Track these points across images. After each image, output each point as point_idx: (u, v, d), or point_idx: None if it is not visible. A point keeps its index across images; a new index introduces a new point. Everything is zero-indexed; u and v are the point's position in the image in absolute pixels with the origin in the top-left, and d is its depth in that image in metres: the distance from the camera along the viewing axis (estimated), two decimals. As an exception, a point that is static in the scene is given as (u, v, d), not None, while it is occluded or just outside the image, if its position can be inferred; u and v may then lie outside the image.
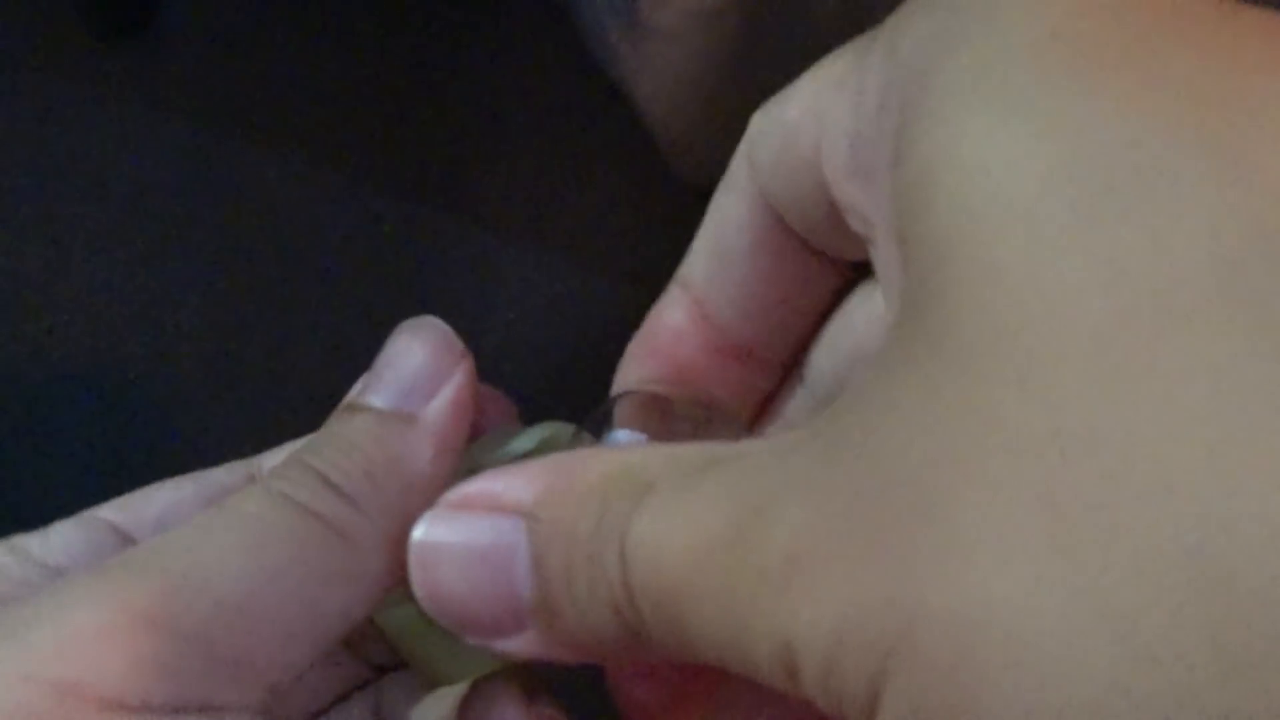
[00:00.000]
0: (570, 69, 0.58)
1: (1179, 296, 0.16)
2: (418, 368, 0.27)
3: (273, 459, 0.32)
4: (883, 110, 0.22)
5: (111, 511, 0.29)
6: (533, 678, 0.29)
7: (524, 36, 0.58)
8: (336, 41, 0.54)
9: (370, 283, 0.54)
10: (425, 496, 0.25)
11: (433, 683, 0.29)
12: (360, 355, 0.54)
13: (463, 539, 0.23)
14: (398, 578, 0.25)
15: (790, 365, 0.30)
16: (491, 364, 0.58)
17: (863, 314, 0.28)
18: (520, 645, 0.23)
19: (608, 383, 0.53)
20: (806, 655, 0.18)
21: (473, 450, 0.29)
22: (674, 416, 0.30)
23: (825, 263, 0.29)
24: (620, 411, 0.30)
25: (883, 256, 0.24)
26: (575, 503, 0.22)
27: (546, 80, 0.58)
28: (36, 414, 0.48)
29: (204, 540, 0.24)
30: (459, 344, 0.28)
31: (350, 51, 0.55)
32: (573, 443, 0.30)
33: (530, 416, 0.60)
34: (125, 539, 0.28)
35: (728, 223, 0.29)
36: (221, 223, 0.51)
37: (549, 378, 0.58)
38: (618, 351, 0.51)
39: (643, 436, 0.29)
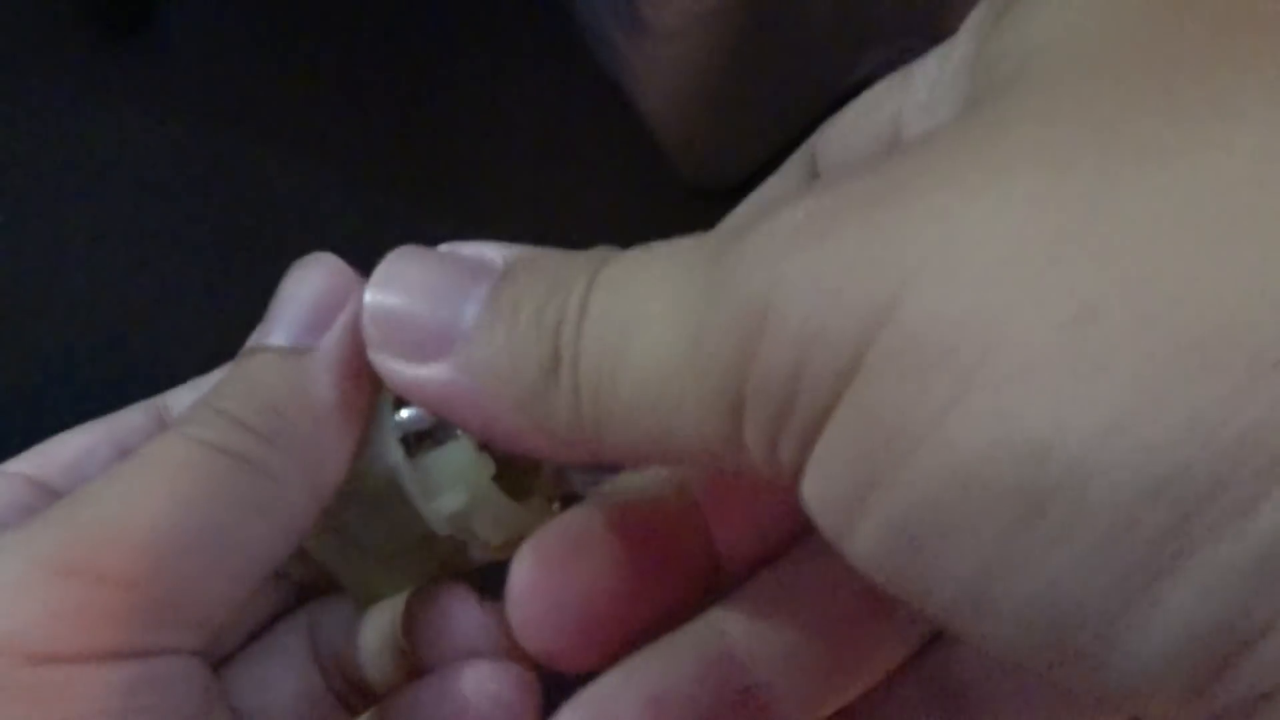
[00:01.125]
0: (571, 69, 0.58)
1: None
2: (309, 301, 0.27)
3: (179, 397, 0.32)
4: (961, 63, 0.21)
5: (25, 464, 0.29)
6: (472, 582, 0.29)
7: (525, 37, 0.58)
8: (336, 42, 0.54)
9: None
10: (339, 426, 0.25)
11: (368, 599, 0.29)
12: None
13: (432, 262, 0.24)
14: (319, 506, 0.25)
15: None
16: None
17: (884, 113, 0.25)
18: (432, 373, 0.23)
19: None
20: (776, 331, 0.17)
21: None
22: None
23: None
24: None
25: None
26: (552, 256, 0.23)
27: (547, 80, 0.58)
28: (37, 414, 0.48)
29: (121, 488, 0.24)
30: (350, 273, 0.27)
31: (350, 51, 0.55)
32: None
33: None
34: (42, 489, 0.28)
35: (775, 192, 0.27)
36: (222, 222, 0.51)
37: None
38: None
39: None
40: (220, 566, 0.24)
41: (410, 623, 0.28)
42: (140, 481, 0.24)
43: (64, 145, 0.48)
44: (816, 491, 0.18)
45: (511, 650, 0.27)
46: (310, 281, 0.27)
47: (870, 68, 0.61)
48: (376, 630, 0.29)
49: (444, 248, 0.26)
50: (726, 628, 0.25)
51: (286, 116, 0.53)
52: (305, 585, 0.30)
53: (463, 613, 0.28)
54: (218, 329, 0.51)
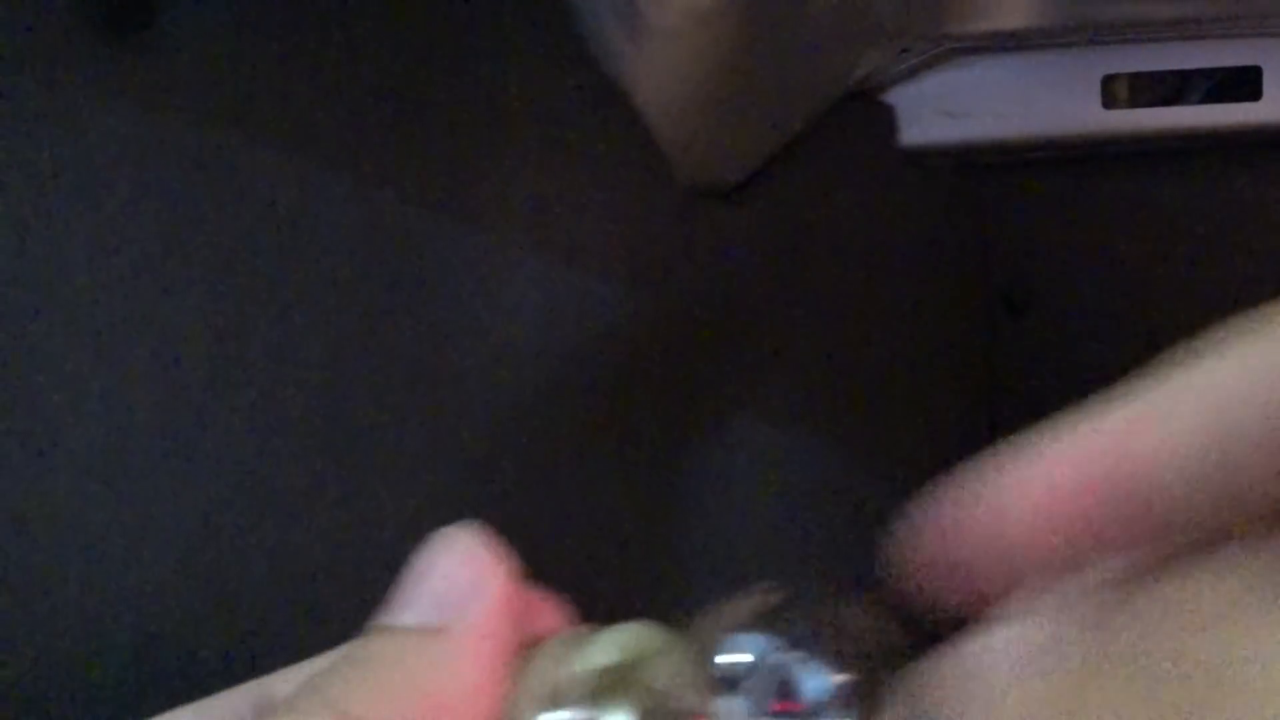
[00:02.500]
0: (571, 69, 0.58)
1: None
2: (447, 579, 0.25)
3: (283, 680, 0.28)
4: None
5: None
6: None
7: (525, 37, 0.58)
8: (337, 43, 0.54)
9: (370, 285, 0.54)
10: (468, 717, 0.23)
11: None
12: (358, 354, 0.54)
13: None
14: None
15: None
16: (489, 366, 0.58)
17: None
18: None
19: (606, 389, 0.53)
20: None
21: (539, 663, 0.26)
22: (829, 626, 0.25)
23: None
24: (740, 615, 0.25)
25: None
26: None
27: (547, 81, 0.58)
28: (36, 414, 0.48)
29: None
30: (495, 552, 0.25)
31: (351, 52, 0.55)
32: (668, 652, 0.26)
33: (535, 419, 0.60)
34: None
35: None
36: (222, 223, 0.51)
37: (548, 383, 0.58)
38: (617, 356, 0.52)
39: (772, 644, 0.24)
40: None
41: None
42: None
43: (63, 145, 0.48)
44: None
45: None
46: (448, 557, 0.25)
47: (870, 69, 0.61)
48: None
49: None
50: None
51: (287, 118, 0.53)
52: None
53: None
54: (218, 330, 0.51)
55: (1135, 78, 0.61)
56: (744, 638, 0.25)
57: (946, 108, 0.63)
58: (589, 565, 0.60)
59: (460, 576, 0.25)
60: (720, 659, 0.24)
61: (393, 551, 0.54)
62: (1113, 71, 0.61)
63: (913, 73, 0.62)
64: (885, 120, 0.64)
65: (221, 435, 0.51)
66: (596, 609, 0.59)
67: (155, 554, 0.49)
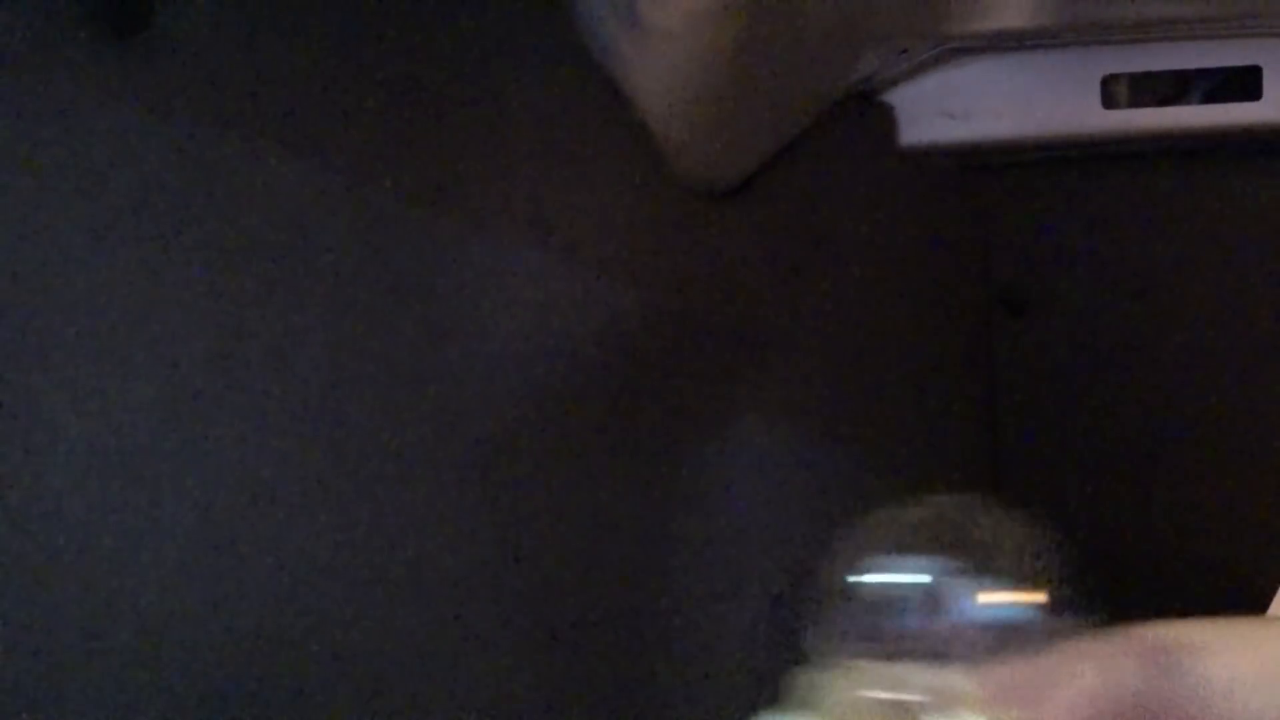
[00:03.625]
0: (571, 70, 0.58)
1: None
2: None
3: None
4: None
5: None
6: None
7: (525, 38, 0.58)
8: (335, 45, 0.54)
9: (369, 283, 0.54)
10: None
11: None
12: (358, 354, 0.54)
13: None
14: None
15: None
16: (489, 366, 0.58)
17: None
18: None
19: (604, 387, 0.53)
20: None
21: None
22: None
23: None
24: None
25: None
26: None
27: (547, 82, 0.58)
28: (35, 414, 0.48)
29: None
30: None
31: (349, 52, 0.54)
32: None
33: (535, 419, 0.59)
34: None
35: None
36: (220, 220, 0.51)
37: (547, 381, 0.58)
38: (616, 355, 0.51)
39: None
40: None
41: None
42: None
43: (63, 144, 0.48)
44: None
45: None
46: None
47: (870, 69, 0.61)
48: None
49: None
50: None
51: (285, 117, 0.53)
52: None
53: None
54: (217, 327, 0.51)
55: (1135, 78, 0.61)
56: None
57: (946, 108, 0.63)
58: (587, 559, 0.60)
59: None
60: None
61: (392, 550, 0.54)
62: (1113, 72, 0.61)
63: (913, 73, 0.62)
64: (885, 120, 0.64)
65: (221, 434, 0.51)
66: (594, 601, 0.58)
67: (155, 553, 0.49)
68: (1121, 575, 0.74)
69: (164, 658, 0.49)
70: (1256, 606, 0.41)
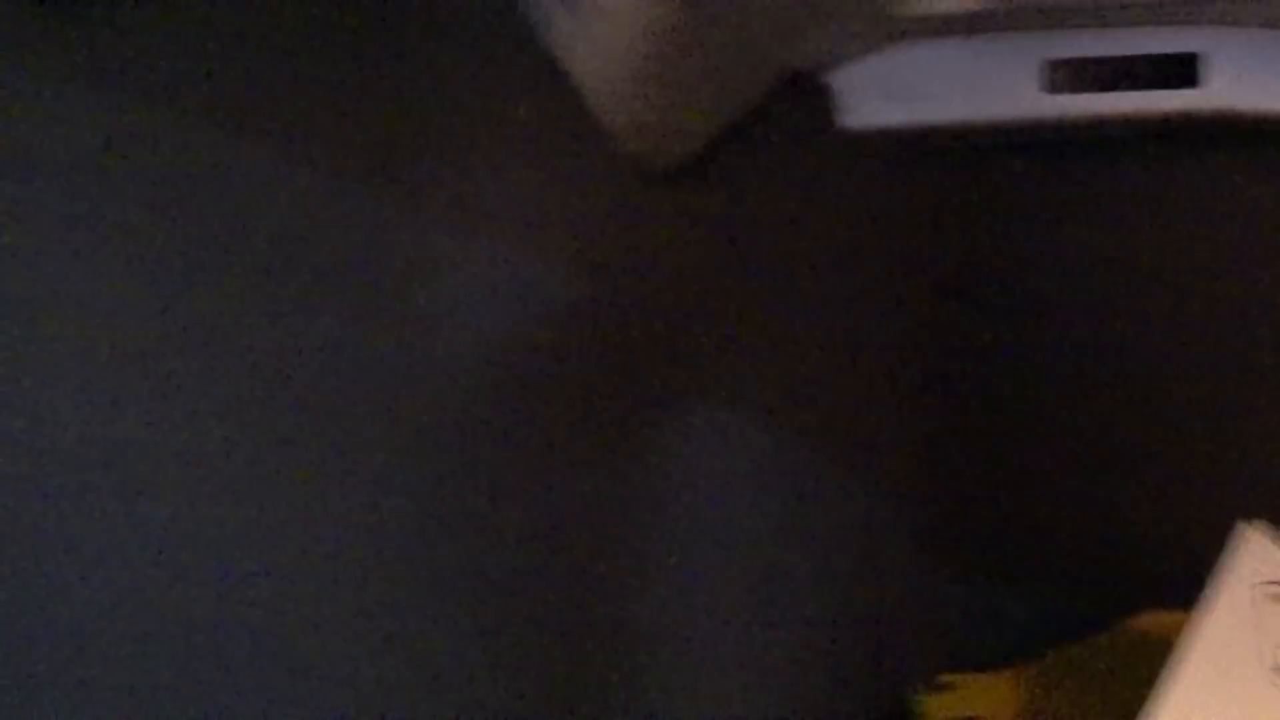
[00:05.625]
0: (513, 51, 0.57)
1: None
2: None
3: None
4: None
5: None
6: None
7: (466, 19, 0.57)
8: (275, 27, 0.53)
9: (310, 268, 0.54)
10: None
11: None
12: (299, 338, 0.54)
13: None
14: None
15: None
16: (432, 352, 0.57)
17: None
18: None
19: (550, 372, 0.53)
20: None
21: None
22: None
23: None
24: None
25: None
26: None
27: (490, 63, 0.57)
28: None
29: None
30: None
31: (290, 35, 0.54)
32: None
33: (474, 410, 0.59)
34: None
35: None
36: (144, 200, 0.50)
37: (492, 366, 0.58)
38: (562, 339, 0.51)
39: None
40: None
41: None
42: None
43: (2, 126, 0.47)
44: None
45: None
46: None
47: (812, 50, 0.61)
48: None
49: None
50: None
51: (224, 100, 0.52)
52: None
53: None
54: (140, 312, 0.51)
55: (1076, 64, 0.62)
56: None
57: (888, 91, 0.63)
58: (533, 546, 0.59)
59: None
60: None
61: (339, 537, 0.53)
62: (1054, 57, 0.61)
63: (855, 55, 0.62)
64: (827, 102, 0.64)
65: (143, 417, 0.50)
66: (542, 586, 0.58)
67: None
68: (1064, 564, 0.75)
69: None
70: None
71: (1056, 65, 0.62)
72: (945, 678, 0.68)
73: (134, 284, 0.49)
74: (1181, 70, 0.60)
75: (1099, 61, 0.62)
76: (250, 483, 0.51)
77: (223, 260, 0.51)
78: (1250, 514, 0.64)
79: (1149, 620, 0.72)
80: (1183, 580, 0.70)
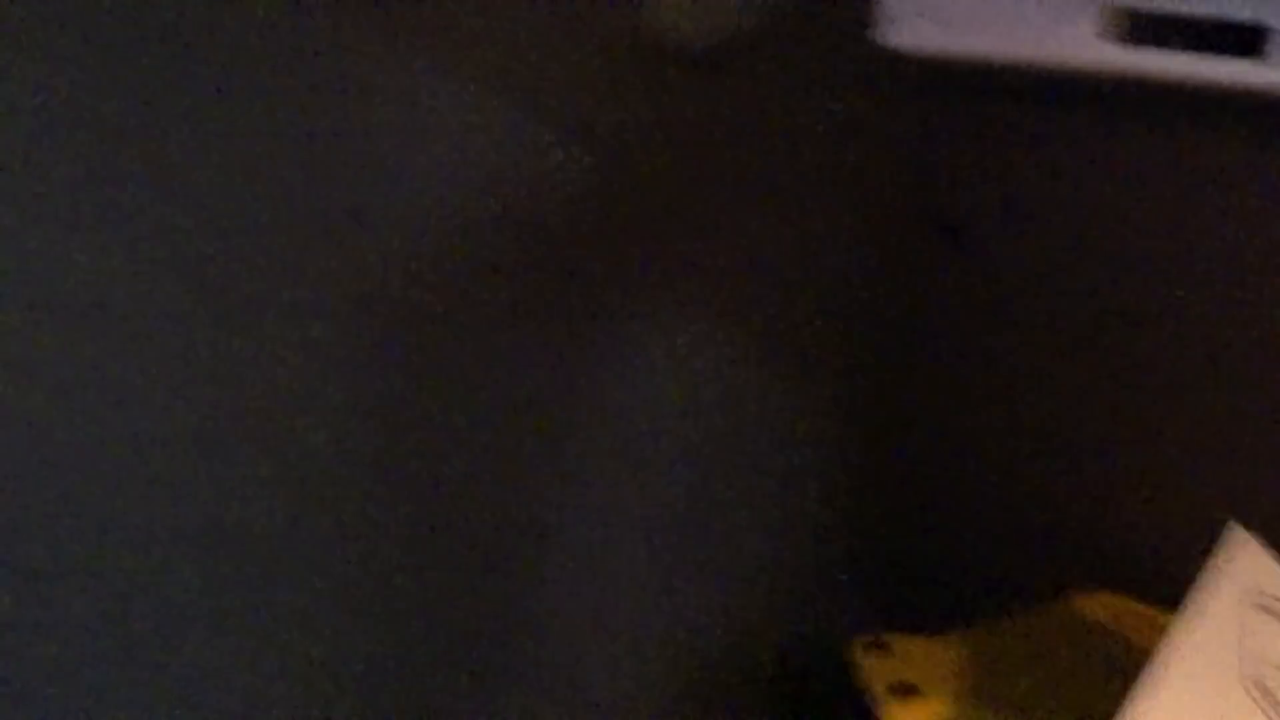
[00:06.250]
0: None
1: None
2: None
3: None
4: None
5: None
6: None
7: None
8: None
9: (269, 92, 0.47)
10: None
11: None
12: (250, 183, 0.47)
13: None
14: None
15: None
16: (401, 208, 0.52)
17: None
18: None
19: (518, 250, 0.48)
20: None
21: None
22: None
23: None
24: None
25: None
26: None
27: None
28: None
29: None
30: None
31: None
32: None
33: (441, 274, 0.53)
34: None
35: None
36: (98, 20, 0.44)
37: (464, 230, 0.53)
38: (534, 214, 0.47)
39: None
40: None
41: None
42: None
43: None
44: None
45: None
46: None
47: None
48: None
49: None
50: None
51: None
52: None
53: None
54: (86, 136, 0.44)
55: (1142, 15, 0.58)
56: None
57: (937, 13, 0.59)
58: (459, 439, 0.55)
59: None
60: None
61: (265, 409, 0.48)
62: (1119, 3, 0.57)
63: (909, -33, 0.57)
64: (867, 14, 0.59)
65: (85, 262, 0.44)
66: (464, 486, 0.53)
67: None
68: (1013, 532, 0.73)
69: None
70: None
71: (1120, 13, 0.57)
72: (884, 636, 0.66)
73: (77, 110, 0.43)
74: (1250, 40, 0.57)
75: (1163, 18, 0.58)
76: (171, 336, 0.46)
77: (174, 84, 0.45)
78: (1223, 488, 0.62)
79: (1091, 601, 0.70)
80: (1136, 560, 0.69)
